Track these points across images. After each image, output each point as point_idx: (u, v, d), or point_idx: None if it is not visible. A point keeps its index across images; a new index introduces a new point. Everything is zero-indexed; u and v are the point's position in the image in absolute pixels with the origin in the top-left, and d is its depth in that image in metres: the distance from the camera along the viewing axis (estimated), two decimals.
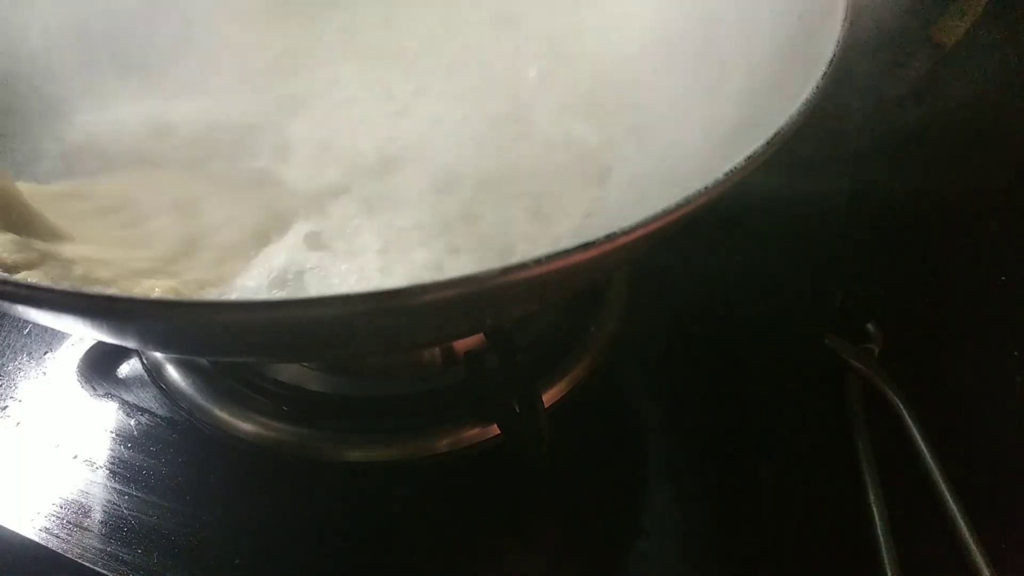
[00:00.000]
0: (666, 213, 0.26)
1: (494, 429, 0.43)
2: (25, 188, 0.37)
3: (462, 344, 0.45)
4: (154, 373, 0.47)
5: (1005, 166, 0.46)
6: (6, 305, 0.26)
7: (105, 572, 0.39)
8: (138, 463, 0.44)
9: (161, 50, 0.51)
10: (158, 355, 0.47)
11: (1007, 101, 0.46)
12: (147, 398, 0.47)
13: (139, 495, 0.43)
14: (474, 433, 0.43)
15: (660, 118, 0.46)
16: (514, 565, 0.42)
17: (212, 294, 0.37)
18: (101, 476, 0.43)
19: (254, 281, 0.38)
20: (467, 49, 0.53)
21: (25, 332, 0.50)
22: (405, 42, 0.54)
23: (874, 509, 0.42)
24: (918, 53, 0.47)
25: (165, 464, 0.44)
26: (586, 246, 0.25)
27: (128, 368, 0.48)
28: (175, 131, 0.47)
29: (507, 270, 0.24)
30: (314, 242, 0.41)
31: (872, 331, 0.50)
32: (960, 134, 0.48)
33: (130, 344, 0.42)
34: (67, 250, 0.35)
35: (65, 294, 0.24)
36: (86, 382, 0.48)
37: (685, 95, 0.45)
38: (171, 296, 0.24)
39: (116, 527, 0.41)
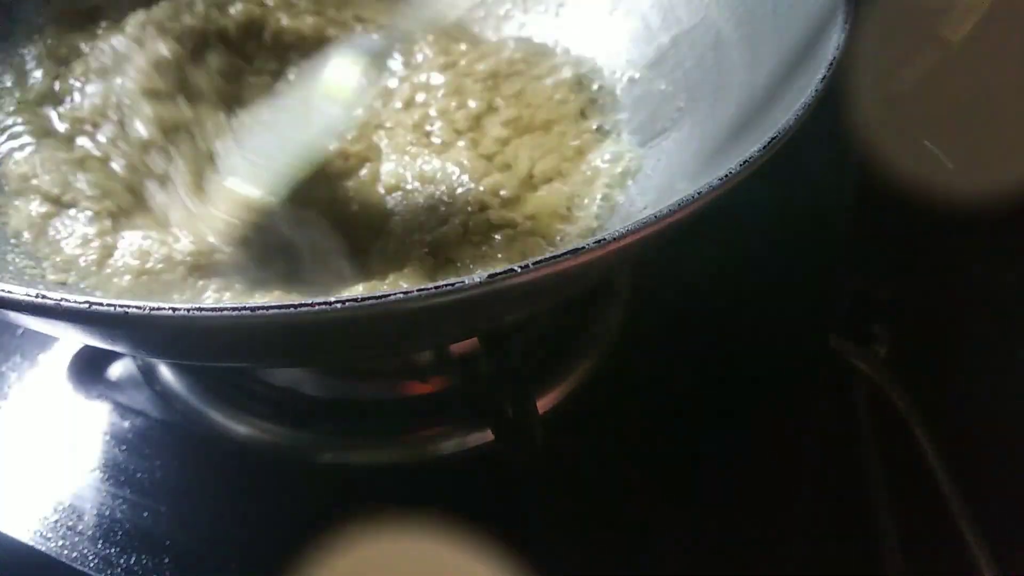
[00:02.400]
0: (658, 219, 0.25)
1: (489, 434, 0.42)
2: None
3: (456, 348, 0.44)
4: (148, 375, 0.47)
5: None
6: None
7: None
8: (132, 466, 0.43)
9: None
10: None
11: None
12: (141, 400, 0.46)
13: (133, 498, 0.42)
14: (468, 438, 0.43)
15: (660, 122, 0.45)
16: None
17: None
18: (94, 479, 0.43)
19: None
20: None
21: (18, 334, 0.50)
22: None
23: (880, 515, 0.41)
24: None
25: (159, 467, 0.43)
26: (575, 252, 0.24)
27: (122, 370, 0.48)
28: None
29: (494, 277, 0.24)
30: None
31: (878, 333, 0.49)
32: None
33: (121, 349, 0.42)
34: None
35: (44, 300, 0.24)
36: (79, 384, 0.47)
37: (684, 98, 0.45)
38: (153, 304, 0.24)
39: (110, 530, 0.41)
